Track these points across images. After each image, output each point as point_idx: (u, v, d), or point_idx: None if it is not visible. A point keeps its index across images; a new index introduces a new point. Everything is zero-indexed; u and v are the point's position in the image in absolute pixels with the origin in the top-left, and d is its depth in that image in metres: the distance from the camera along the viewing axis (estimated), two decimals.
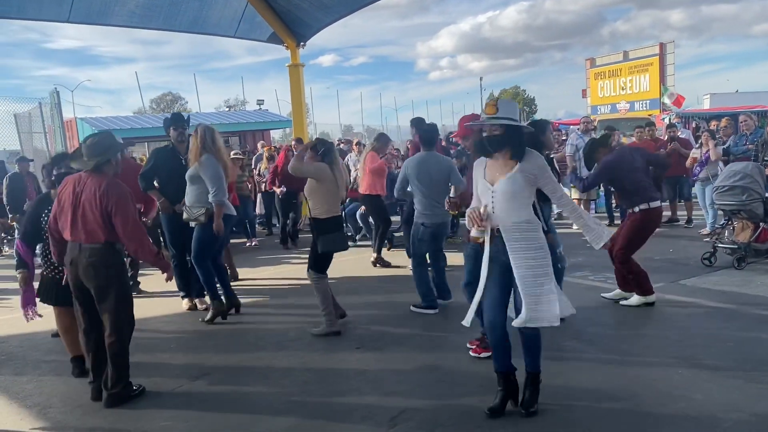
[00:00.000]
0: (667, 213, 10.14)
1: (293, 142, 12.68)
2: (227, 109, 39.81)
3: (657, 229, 9.39)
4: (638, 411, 3.54)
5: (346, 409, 3.81)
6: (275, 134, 27.37)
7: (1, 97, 15.60)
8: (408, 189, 5.87)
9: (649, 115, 23.04)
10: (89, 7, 11.56)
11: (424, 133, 6.16)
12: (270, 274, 7.99)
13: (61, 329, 4.64)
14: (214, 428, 3.71)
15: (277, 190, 9.96)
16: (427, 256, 5.96)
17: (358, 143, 13.70)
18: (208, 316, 5.78)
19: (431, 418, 3.59)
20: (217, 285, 5.85)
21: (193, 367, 4.68)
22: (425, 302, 5.75)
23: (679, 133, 10.53)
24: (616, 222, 10.16)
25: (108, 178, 3.97)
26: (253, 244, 10.42)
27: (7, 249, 11.03)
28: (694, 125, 17.98)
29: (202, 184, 5.62)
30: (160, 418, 3.86)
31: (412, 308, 5.79)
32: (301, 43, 13.27)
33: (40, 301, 4.62)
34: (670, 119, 16.72)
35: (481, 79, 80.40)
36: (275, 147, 14.37)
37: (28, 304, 4.54)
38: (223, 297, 5.87)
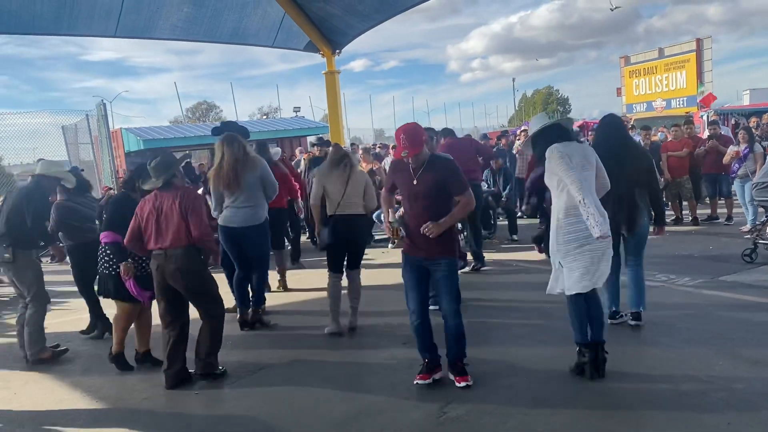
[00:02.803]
0: (707, 211, 10.13)
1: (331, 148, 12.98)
2: (263, 116, 40.42)
3: (697, 227, 9.54)
4: (680, 399, 3.68)
5: (399, 397, 4.05)
6: (311, 140, 27.76)
7: (50, 111, 16.27)
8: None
9: (687, 112, 22.73)
10: (135, 22, 12.04)
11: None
12: (315, 276, 8.26)
13: (115, 323, 5.00)
14: (277, 413, 3.98)
15: None
16: None
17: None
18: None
19: (480, 404, 3.80)
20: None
21: (250, 362, 4.94)
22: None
23: (720, 131, 10.47)
24: None
25: (182, 189, 4.50)
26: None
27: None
28: (733, 122, 17.74)
29: None
30: (224, 407, 4.16)
31: None
32: (337, 51, 13.55)
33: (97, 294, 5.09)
34: (708, 116, 16.55)
35: (513, 80, 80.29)
36: (311, 153, 14.68)
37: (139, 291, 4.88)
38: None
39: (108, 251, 4.91)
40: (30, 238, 5.36)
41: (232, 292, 6.04)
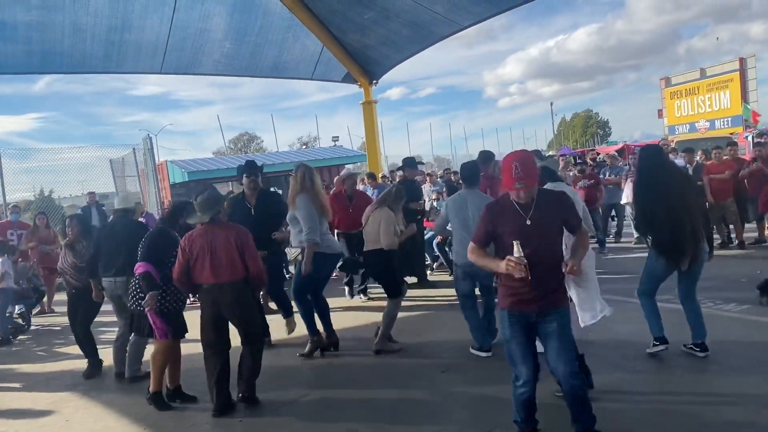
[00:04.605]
0: (754, 234, 9.86)
1: (365, 177, 13.13)
2: (303, 146, 41.09)
3: (744, 251, 9.28)
4: (728, 428, 3.60)
5: (438, 427, 4.05)
6: (349, 167, 28.11)
7: (99, 145, 16.92)
8: (448, 227, 5.74)
9: (731, 133, 22.25)
10: (179, 59, 12.54)
11: (463, 170, 5.95)
12: (349, 304, 8.35)
13: (153, 361, 4.89)
14: None
15: None
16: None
17: (430, 174, 14.04)
18: (306, 350, 5.91)
19: None
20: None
21: (292, 390, 5.00)
22: (476, 343, 5.54)
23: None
24: None
25: (233, 226, 4.75)
26: (335, 275, 10.76)
27: None
28: None
29: (300, 224, 5.70)
30: None
31: (471, 350, 5.55)
32: (374, 81, 13.79)
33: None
34: (753, 137, 16.17)
35: (551, 104, 79.64)
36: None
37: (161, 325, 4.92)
38: (323, 332, 6.00)
39: (138, 283, 4.89)
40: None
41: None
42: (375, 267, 6.04)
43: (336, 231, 8.36)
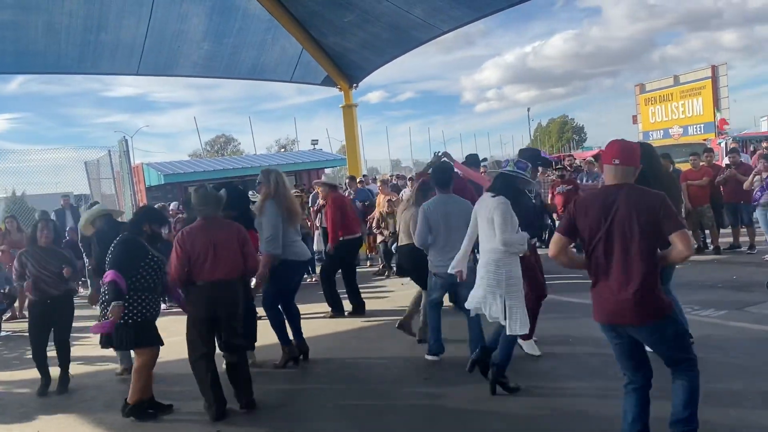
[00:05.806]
0: (729, 239, 10.00)
1: (346, 180, 13.11)
2: (281, 149, 40.86)
3: (719, 256, 9.40)
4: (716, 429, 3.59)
5: None
6: (328, 172, 28.02)
7: (74, 146, 16.58)
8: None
9: (705, 139, 22.62)
10: (156, 61, 12.37)
11: (436, 172, 5.55)
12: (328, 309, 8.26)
13: (138, 373, 4.70)
14: None
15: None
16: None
17: (411, 179, 14.04)
18: (280, 361, 5.73)
19: None
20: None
21: (273, 396, 4.93)
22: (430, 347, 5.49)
23: (741, 159, 10.37)
24: None
25: (232, 223, 4.79)
26: (314, 280, 10.69)
27: (82, 290, 11.60)
28: (752, 148, 17.64)
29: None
30: None
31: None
32: (354, 85, 13.73)
33: (115, 348, 4.97)
34: (726, 143, 16.46)
35: (528, 109, 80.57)
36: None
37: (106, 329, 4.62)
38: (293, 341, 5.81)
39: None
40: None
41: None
42: (405, 262, 6.33)
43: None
